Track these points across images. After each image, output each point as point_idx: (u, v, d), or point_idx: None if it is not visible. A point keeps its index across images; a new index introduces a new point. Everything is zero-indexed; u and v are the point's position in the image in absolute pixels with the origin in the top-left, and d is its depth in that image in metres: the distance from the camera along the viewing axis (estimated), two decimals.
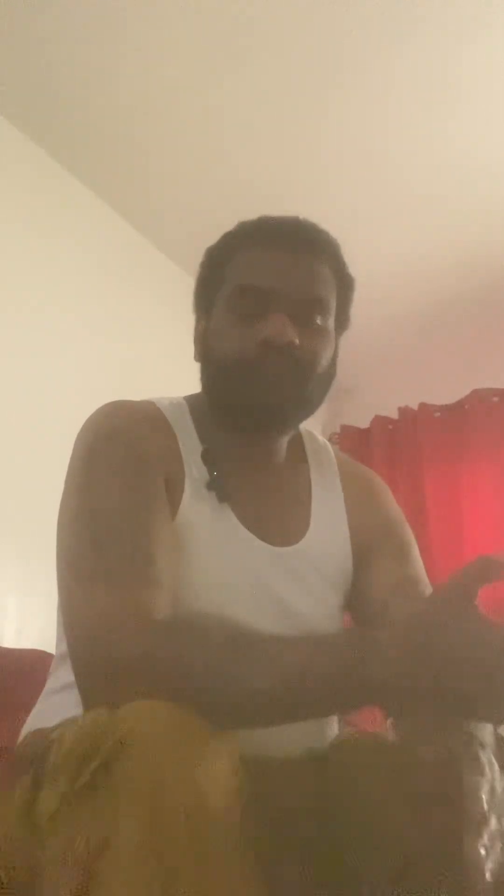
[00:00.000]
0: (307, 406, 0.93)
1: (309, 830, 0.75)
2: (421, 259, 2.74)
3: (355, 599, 0.98)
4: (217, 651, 0.67)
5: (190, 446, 0.91)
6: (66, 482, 0.86)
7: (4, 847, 0.66)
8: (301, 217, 0.95)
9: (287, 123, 2.25)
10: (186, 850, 0.53)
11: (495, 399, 2.88)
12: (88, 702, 0.68)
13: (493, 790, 0.67)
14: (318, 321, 0.90)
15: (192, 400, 0.98)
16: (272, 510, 0.94)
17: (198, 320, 0.99)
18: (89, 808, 0.55)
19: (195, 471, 0.89)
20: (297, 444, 1.03)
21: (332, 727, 0.94)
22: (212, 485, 0.89)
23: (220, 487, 0.89)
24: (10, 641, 1.84)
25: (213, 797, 0.55)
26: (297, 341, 0.87)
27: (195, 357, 0.99)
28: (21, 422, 2.02)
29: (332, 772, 0.82)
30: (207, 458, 0.90)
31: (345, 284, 0.95)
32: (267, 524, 0.92)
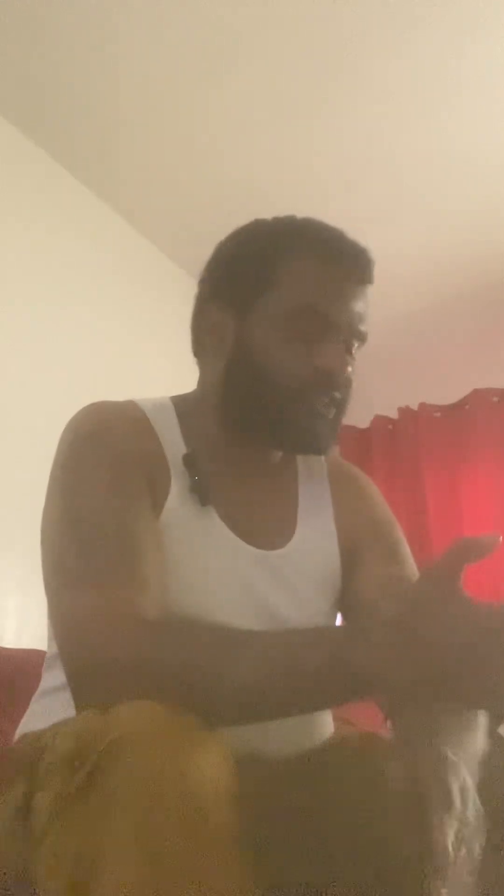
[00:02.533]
0: (338, 431, 0.95)
1: (304, 831, 0.75)
2: (421, 259, 2.73)
3: (345, 601, 0.97)
4: (204, 649, 0.67)
5: (174, 448, 0.90)
6: (49, 485, 0.85)
7: None
8: (343, 231, 0.93)
9: (287, 123, 2.25)
10: (180, 851, 0.53)
11: (495, 399, 2.88)
12: (80, 703, 0.68)
13: (462, 824, 0.63)
14: (356, 349, 0.93)
15: (179, 400, 0.97)
16: (259, 513, 0.94)
17: (218, 309, 0.94)
18: (83, 809, 0.55)
19: (180, 473, 0.88)
20: None
21: (328, 727, 0.93)
22: (194, 488, 0.88)
23: (202, 491, 0.88)
24: (10, 641, 1.83)
25: (206, 798, 0.55)
26: (349, 374, 0.90)
27: (201, 351, 0.96)
28: (20, 422, 2.02)
29: (328, 772, 0.82)
30: (189, 461, 0.89)
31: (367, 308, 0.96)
32: (253, 527, 0.91)
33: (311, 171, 2.41)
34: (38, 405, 2.07)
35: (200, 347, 0.97)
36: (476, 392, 2.90)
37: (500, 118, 2.23)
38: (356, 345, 0.92)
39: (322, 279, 0.89)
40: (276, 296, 0.89)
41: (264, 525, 0.93)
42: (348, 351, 0.91)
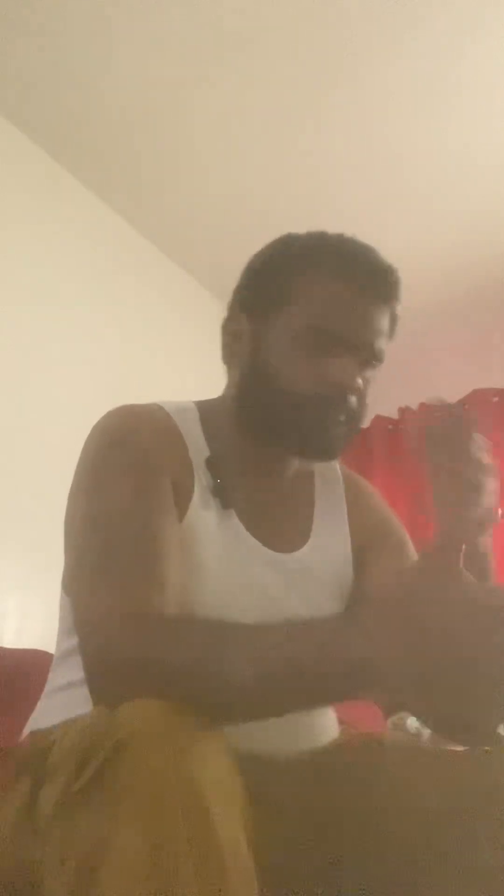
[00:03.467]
0: (352, 440, 0.94)
1: (307, 830, 0.75)
2: (421, 259, 2.73)
3: (355, 598, 0.98)
4: (199, 647, 0.67)
5: (198, 451, 0.91)
6: (73, 486, 0.86)
7: (5, 847, 0.67)
8: (373, 248, 0.93)
9: (287, 123, 2.25)
10: (185, 850, 0.53)
11: (495, 399, 2.88)
12: (97, 700, 0.69)
13: None
14: (373, 365, 0.92)
15: (203, 405, 0.98)
16: (277, 516, 0.95)
17: (236, 316, 0.96)
18: (89, 807, 0.55)
19: (203, 476, 0.90)
20: None
21: (332, 729, 0.93)
22: (216, 491, 0.89)
23: (223, 494, 0.89)
24: (10, 641, 1.84)
25: (211, 796, 0.55)
26: (361, 387, 0.89)
27: (227, 357, 0.98)
28: (23, 423, 2.02)
29: (332, 772, 0.82)
30: (212, 464, 0.91)
31: (395, 323, 0.95)
32: (270, 529, 0.92)
33: (311, 172, 2.41)
34: (37, 407, 2.07)
35: (225, 354, 0.99)
36: (476, 392, 2.90)
37: (500, 118, 2.23)
38: (372, 363, 0.91)
39: (335, 300, 0.89)
40: (291, 312, 0.90)
41: (281, 528, 0.95)
42: (362, 366, 0.90)
